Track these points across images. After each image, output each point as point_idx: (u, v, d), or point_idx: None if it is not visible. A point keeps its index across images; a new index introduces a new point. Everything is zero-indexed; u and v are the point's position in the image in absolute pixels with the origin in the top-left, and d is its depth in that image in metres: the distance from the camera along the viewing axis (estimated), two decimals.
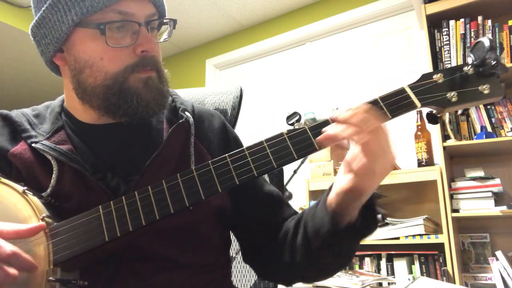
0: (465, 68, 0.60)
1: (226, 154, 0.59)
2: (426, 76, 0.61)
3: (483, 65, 0.58)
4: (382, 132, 0.54)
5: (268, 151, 0.58)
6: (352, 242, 0.61)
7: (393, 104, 0.58)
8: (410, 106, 0.58)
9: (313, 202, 0.93)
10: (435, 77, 0.60)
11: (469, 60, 0.61)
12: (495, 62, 0.57)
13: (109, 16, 0.64)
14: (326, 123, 0.58)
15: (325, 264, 0.66)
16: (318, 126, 0.58)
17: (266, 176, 1.02)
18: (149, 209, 0.57)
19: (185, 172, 0.59)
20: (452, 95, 0.58)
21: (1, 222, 0.55)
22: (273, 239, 0.73)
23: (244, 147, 0.60)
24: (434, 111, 0.61)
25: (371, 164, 0.53)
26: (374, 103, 0.58)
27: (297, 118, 0.60)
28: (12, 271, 0.51)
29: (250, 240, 0.78)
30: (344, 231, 0.59)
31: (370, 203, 0.60)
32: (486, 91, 0.58)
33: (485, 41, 0.58)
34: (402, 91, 0.59)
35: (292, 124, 0.60)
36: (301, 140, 0.58)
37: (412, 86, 0.60)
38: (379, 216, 0.61)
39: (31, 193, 0.60)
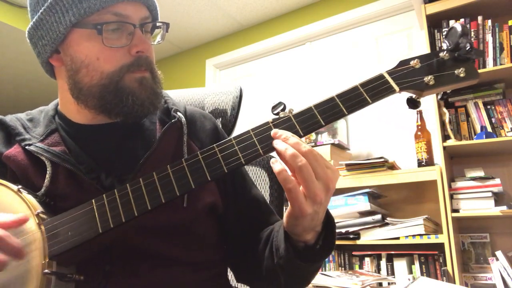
0: (441, 54, 0.62)
1: (214, 144, 0.60)
2: (403, 62, 0.63)
3: (457, 49, 0.61)
4: (312, 157, 0.54)
5: (255, 139, 0.59)
6: (308, 267, 0.60)
7: (373, 89, 0.60)
8: (389, 90, 0.60)
9: None
10: (412, 63, 0.63)
11: (444, 46, 0.63)
12: (469, 47, 0.60)
13: (105, 17, 0.66)
14: (309, 110, 0.60)
15: (287, 282, 0.65)
16: (302, 113, 0.60)
17: (266, 176, 1.02)
18: (141, 200, 0.58)
19: (175, 163, 0.60)
20: (429, 79, 0.61)
21: None
22: (249, 244, 0.74)
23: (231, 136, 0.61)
24: (414, 96, 0.63)
25: (304, 188, 0.53)
26: (355, 89, 0.60)
27: (282, 107, 0.61)
28: (2, 257, 0.51)
29: (231, 243, 0.79)
30: (299, 255, 0.59)
31: (329, 227, 0.60)
32: (462, 75, 0.60)
33: (457, 26, 0.61)
34: (380, 76, 0.61)
35: (277, 114, 0.61)
36: (287, 127, 0.60)
37: (390, 72, 0.62)
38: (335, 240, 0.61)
39: (26, 192, 0.61)
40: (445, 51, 0.62)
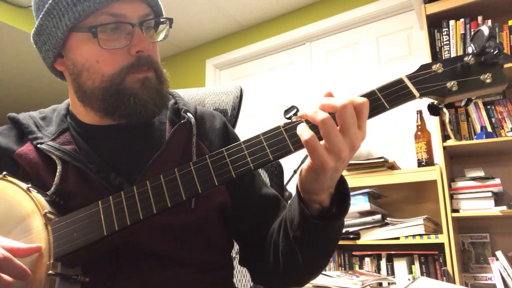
0: (466, 58, 0.58)
1: (223, 148, 0.58)
2: (425, 67, 0.60)
3: (484, 54, 0.57)
4: (345, 111, 0.51)
5: (265, 144, 0.57)
6: (325, 229, 0.59)
7: (391, 94, 0.57)
8: (409, 96, 0.57)
9: None
10: (434, 67, 0.59)
11: (469, 49, 0.59)
12: (497, 51, 0.56)
13: (101, 19, 0.65)
14: None
15: (306, 259, 0.63)
16: None
17: (266, 177, 1.02)
18: (147, 203, 0.57)
19: (183, 166, 0.59)
20: (452, 84, 0.57)
21: (1, 237, 0.56)
22: (264, 241, 0.73)
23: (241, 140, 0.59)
24: (435, 102, 0.59)
25: (326, 143, 0.52)
26: (372, 94, 0.57)
27: (294, 111, 0.58)
28: (7, 278, 0.51)
29: (245, 242, 0.79)
30: (314, 216, 0.58)
31: (342, 189, 0.60)
32: (488, 80, 0.56)
33: (485, 29, 0.57)
34: (399, 81, 0.58)
35: (289, 118, 0.59)
36: None
37: (410, 76, 0.59)
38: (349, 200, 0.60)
39: (35, 191, 0.62)
40: (471, 55, 0.58)
